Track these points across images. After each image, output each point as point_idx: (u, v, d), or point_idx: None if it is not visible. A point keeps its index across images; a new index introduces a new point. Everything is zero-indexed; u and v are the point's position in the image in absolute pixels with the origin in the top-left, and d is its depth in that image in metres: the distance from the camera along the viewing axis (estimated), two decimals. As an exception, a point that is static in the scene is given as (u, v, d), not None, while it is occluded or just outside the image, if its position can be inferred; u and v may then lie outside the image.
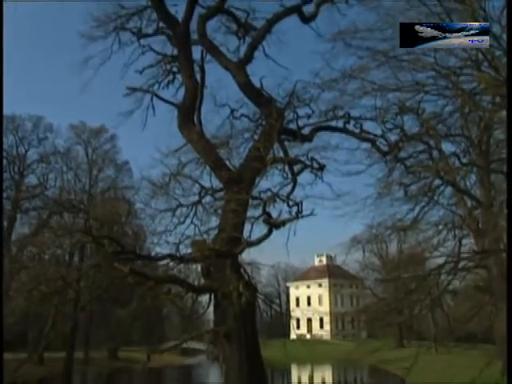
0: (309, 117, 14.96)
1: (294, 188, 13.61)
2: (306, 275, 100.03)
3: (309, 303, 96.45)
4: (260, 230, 13.26)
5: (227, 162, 15.21)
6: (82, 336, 57.74)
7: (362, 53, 19.11)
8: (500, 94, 14.86)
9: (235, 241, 13.13)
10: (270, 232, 12.84)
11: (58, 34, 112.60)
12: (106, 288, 15.88)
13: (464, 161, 21.22)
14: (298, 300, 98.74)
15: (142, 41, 17.02)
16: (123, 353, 58.85)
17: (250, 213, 14.07)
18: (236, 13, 16.58)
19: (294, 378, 51.42)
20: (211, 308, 13.80)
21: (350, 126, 15.05)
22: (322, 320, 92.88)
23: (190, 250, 14.45)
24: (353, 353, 51.56)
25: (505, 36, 16.10)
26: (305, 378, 51.65)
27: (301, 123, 14.91)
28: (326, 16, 16.83)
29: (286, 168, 14.21)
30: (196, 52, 16.25)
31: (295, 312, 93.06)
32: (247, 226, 13.74)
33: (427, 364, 32.20)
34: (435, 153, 18.56)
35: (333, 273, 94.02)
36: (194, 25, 16.06)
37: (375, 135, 15.16)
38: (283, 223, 12.69)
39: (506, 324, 10.98)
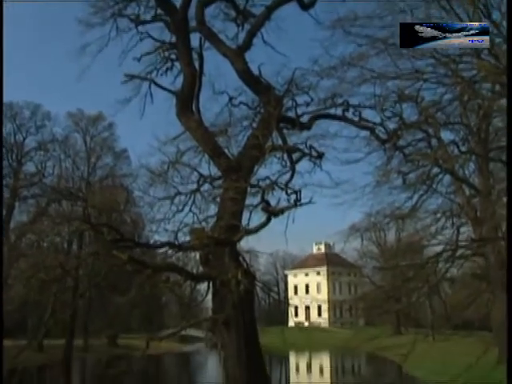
0: (307, 105, 14.91)
1: (292, 176, 13.60)
2: (305, 263, 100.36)
3: (307, 291, 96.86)
4: (258, 218, 13.30)
5: (226, 150, 15.18)
6: (81, 323, 58.02)
7: (361, 40, 19.01)
8: (500, 81, 14.82)
9: (234, 229, 13.14)
10: (268, 220, 12.85)
11: (56, 21, 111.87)
12: (104, 276, 15.95)
13: (463, 149, 21.15)
14: (296, 288, 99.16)
15: (140, 27, 16.89)
16: (122, 340, 59.16)
17: (249, 201, 14.09)
18: (235, -1, 16.47)
19: (292, 365, 51.79)
20: (210, 296, 13.86)
21: (349, 114, 15.01)
22: (320, 308, 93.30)
23: (188, 238, 14.47)
24: (351, 340, 51.94)
25: (505, 23, 16.03)
26: (303, 365, 52.00)
27: (299, 111, 14.87)
28: (325, 3, 16.75)
29: (285, 156, 14.18)
30: (194, 39, 16.18)
31: (293, 300, 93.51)
32: (246, 214, 13.77)
33: (424, 351, 32.47)
34: (434, 141, 18.54)
35: (331, 261, 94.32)
36: (192, 11, 15.94)
37: (374, 123, 15.12)
38: (282, 211, 12.70)
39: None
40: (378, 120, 15.07)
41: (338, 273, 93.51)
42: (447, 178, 25.13)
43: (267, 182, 13.43)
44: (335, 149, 15.72)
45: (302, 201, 12.80)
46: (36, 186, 54.47)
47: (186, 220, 15.24)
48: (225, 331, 13.05)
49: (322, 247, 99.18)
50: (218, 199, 14.96)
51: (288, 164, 14.06)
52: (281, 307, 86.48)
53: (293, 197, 12.95)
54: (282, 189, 13.10)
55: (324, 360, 55.97)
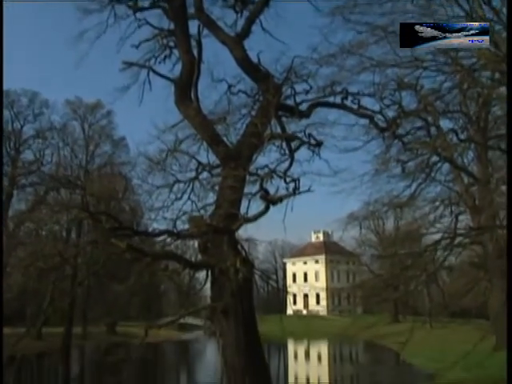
0: (306, 92, 14.83)
1: (291, 164, 13.55)
2: (303, 251, 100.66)
3: (305, 279, 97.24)
4: (257, 206, 13.26)
5: (224, 138, 15.12)
6: (80, 311, 58.27)
7: (361, 27, 18.88)
8: (499, 69, 14.75)
9: (232, 217, 13.12)
10: (267, 208, 12.82)
11: (54, 8, 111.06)
12: (103, 264, 15.92)
13: (462, 137, 21.12)
14: (294, 276, 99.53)
15: (138, 14, 16.70)
16: (121, 328, 59.45)
17: (247, 189, 14.04)
18: (233, -14, 16.30)
19: (291, 353, 52.12)
20: (208, 284, 13.88)
21: (348, 102, 14.93)
22: (318, 296, 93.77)
23: (187, 226, 14.46)
24: (349, 328, 52.07)
25: (505, 10, 15.92)
26: (301, 353, 52.36)
27: (298, 99, 14.78)
28: (325, -11, 16.60)
29: (284, 144, 14.12)
30: (193, 26, 16.02)
31: (292, 288, 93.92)
32: (244, 203, 13.73)
33: (422, 339, 32.65)
34: (433, 129, 18.49)
35: (329, 249, 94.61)
36: (190, -2, 15.81)
37: (373, 111, 15.06)
38: (280, 199, 12.67)
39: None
40: (377, 108, 15.01)
41: (337, 261, 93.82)
42: (446, 167, 25.15)
43: (266, 170, 13.37)
44: (334, 137, 15.66)
45: (301, 189, 12.77)
46: (34, 174, 54.45)
47: (184, 208, 15.21)
48: (223, 319, 13.08)
49: (321, 235, 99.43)
50: (217, 187, 14.93)
51: (287, 152, 14.01)
52: (279, 295, 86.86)
53: (291, 185, 12.91)
54: (280, 177, 13.06)
55: (322, 348, 56.33)
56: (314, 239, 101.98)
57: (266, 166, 13.60)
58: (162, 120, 16.48)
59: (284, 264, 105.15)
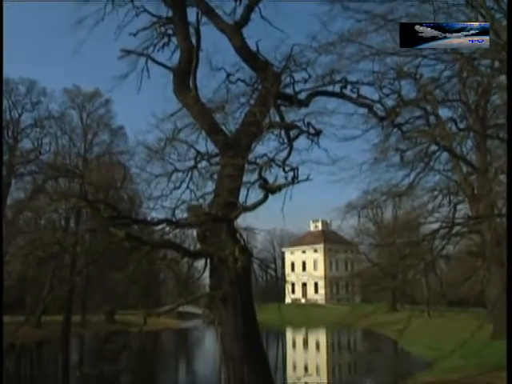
0: (305, 81, 14.78)
1: (290, 153, 13.54)
2: (302, 240, 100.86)
3: (304, 268, 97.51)
4: (256, 195, 13.26)
5: (223, 127, 15.10)
6: (79, 300, 58.45)
7: (360, 16, 18.72)
8: (499, 58, 14.70)
9: (231, 206, 13.13)
10: (265, 197, 12.82)
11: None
12: (102, 253, 15.97)
13: (461, 126, 21.11)
14: (293, 265, 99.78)
15: (136, 2, 16.60)
16: (120, 316, 59.65)
17: (246, 178, 14.04)
18: (232, -27, 16.16)
19: (289, 341, 52.37)
20: (207, 273, 13.91)
21: (347, 91, 14.90)
22: (316, 284, 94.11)
23: (185, 215, 14.47)
24: (347, 316, 52.37)
25: (505, -2, 15.83)
26: (299, 341, 52.62)
27: (297, 88, 14.76)
28: (324, -23, 16.46)
29: (282, 133, 14.11)
30: (191, 14, 15.93)
31: (290, 277, 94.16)
32: (243, 191, 13.74)
33: (420, 327, 32.82)
34: (432, 118, 18.46)
35: (328, 238, 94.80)
36: (189, -15, 15.70)
37: (372, 100, 15.04)
38: (279, 188, 12.66)
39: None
40: (376, 97, 14.99)
41: (335, 250, 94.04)
42: (445, 156, 25.14)
43: (265, 159, 13.35)
44: (333, 126, 15.63)
45: (300, 178, 12.77)
46: (32, 162, 54.32)
47: (183, 197, 15.21)
48: (222, 308, 13.13)
49: (319, 225, 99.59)
50: (216, 176, 14.93)
51: (285, 141, 13.99)
52: (278, 284, 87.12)
53: (290, 174, 12.90)
54: (279, 166, 13.05)
55: (320, 336, 56.59)
56: (312, 228, 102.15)
57: (265, 154, 13.59)
58: (160, 109, 16.47)
59: (282, 253, 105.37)
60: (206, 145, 15.26)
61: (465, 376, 17.18)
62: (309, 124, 14.26)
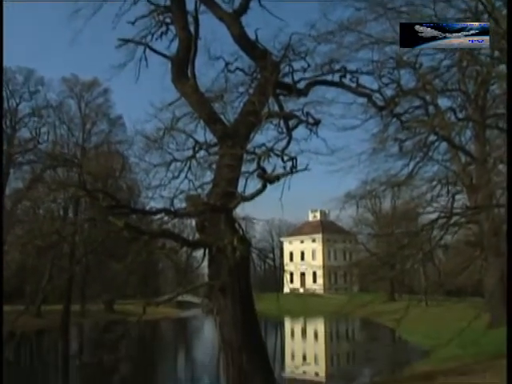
0: (304, 70, 14.73)
1: (288, 143, 13.51)
2: (300, 230, 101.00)
3: (302, 258, 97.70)
4: (254, 184, 13.25)
5: (222, 117, 15.06)
6: (78, 290, 58.59)
7: (360, 4, 18.69)
8: (499, 47, 14.64)
9: (229, 195, 13.12)
10: (264, 187, 12.81)
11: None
12: (101, 242, 15.97)
13: (460, 116, 21.07)
14: (291, 254, 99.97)
15: (134, -10, 16.50)
16: (119, 306, 59.83)
17: (245, 167, 14.03)
18: (230, -39, 16.02)
19: (287, 331, 52.60)
20: (206, 262, 13.94)
21: (346, 80, 14.85)
22: (315, 274, 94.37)
23: (184, 205, 14.47)
24: (345, 306, 52.57)
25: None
26: (297, 330, 52.84)
27: (296, 77, 14.71)
28: (324, -35, 16.37)
29: (281, 123, 14.07)
30: (189, 2, 15.82)
31: (289, 266, 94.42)
32: (241, 181, 13.73)
33: (417, 316, 32.92)
34: (431, 108, 18.44)
35: (326, 228, 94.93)
36: (187, -26, 15.58)
37: (371, 90, 15.00)
38: (277, 178, 12.65)
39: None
40: (375, 86, 14.96)
41: (334, 240, 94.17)
42: (443, 146, 25.16)
43: (263, 148, 13.32)
44: (332, 115, 15.65)
45: (298, 168, 12.74)
46: (31, 152, 54.18)
47: (181, 187, 15.20)
48: (221, 297, 13.17)
49: (318, 214, 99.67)
50: (214, 166, 14.92)
51: (284, 131, 13.97)
52: (276, 274, 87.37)
53: (289, 164, 12.88)
54: (278, 156, 13.02)
55: (319, 325, 56.85)
56: (311, 218, 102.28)
57: (264, 144, 13.57)
58: (158, 98, 16.45)
59: (281, 243, 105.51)
60: (204, 134, 15.24)
61: (462, 365, 17.28)
62: (308, 113, 14.23)
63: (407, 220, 31.75)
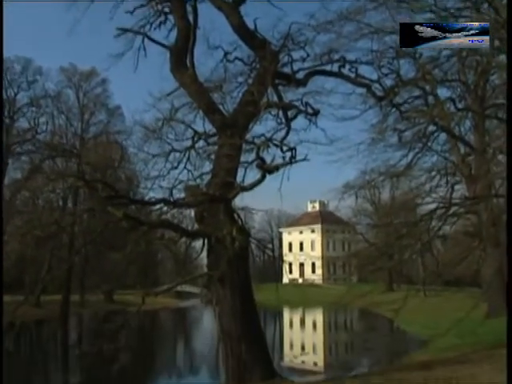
0: (303, 60, 14.69)
1: (287, 133, 13.51)
2: (299, 221, 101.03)
3: (301, 248, 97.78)
4: (253, 175, 13.27)
5: (220, 107, 15.03)
6: (78, 280, 58.67)
7: (359, -7, 18.54)
8: (499, 37, 14.56)
9: (228, 186, 13.13)
10: (263, 177, 12.82)
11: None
12: (100, 232, 15.99)
13: (459, 106, 21.02)
14: (290, 245, 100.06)
15: (133, -21, 16.40)
16: (118, 296, 59.94)
17: (244, 158, 14.04)
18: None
19: (286, 321, 52.79)
20: (205, 253, 13.96)
21: (346, 70, 14.82)
22: (313, 265, 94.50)
23: (183, 195, 14.48)
24: (344, 296, 52.62)
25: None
26: (296, 320, 53.01)
27: (295, 67, 14.68)
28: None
29: (280, 113, 14.06)
30: (188, -9, 15.73)
31: (288, 257, 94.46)
32: (240, 171, 13.74)
33: (416, 306, 33.06)
34: (431, 98, 18.39)
35: (325, 219, 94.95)
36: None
37: (371, 80, 14.97)
38: (276, 168, 12.66)
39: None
40: (374, 76, 14.93)
41: (332, 230, 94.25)
42: (443, 136, 25.13)
43: (262, 138, 13.33)
44: (331, 105, 15.61)
45: (297, 158, 12.76)
46: (29, 142, 54.02)
47: (180, 177, 15.21)
48: (220, 287, 13.21)
49: (317, 205, 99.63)
50: (213, 156, 14.91)
51: (283, 121, 13.96)
52: (275, 264, 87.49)
53: (288, 154, 12.90)
54: (277, 146, 13.02)
55: (317, 315, 57.02)
56: (310, 209, 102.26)
57: (263, 134, 13.57)
58: (157, 88, 16.39)
59: (280, 233, 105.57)
60: (203, 124, 15.23)
61: (460, 354, 17.35)
62: (307, 104, 14.21)
63: (406, 210, 31.73)
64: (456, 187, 26.26)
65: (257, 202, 16.44)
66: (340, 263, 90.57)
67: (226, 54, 15.28)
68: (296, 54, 14.63)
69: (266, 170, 12.69)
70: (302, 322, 51.11)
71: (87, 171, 38.12)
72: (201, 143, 15.28)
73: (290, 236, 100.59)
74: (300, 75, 14.76)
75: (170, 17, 16.22)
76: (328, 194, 36.46)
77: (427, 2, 16.66)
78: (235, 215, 13.37)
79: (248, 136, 13.78)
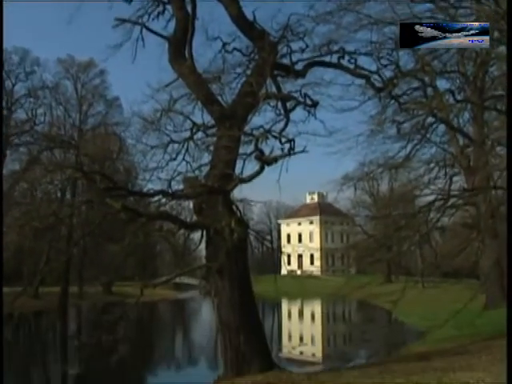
0: (302, 51, 14.64)
1: (286, 124, 13.48)
2: (298, 213, 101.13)
3: (300, 240, 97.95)
4: (252, 166, 13.25)
5: (219, 98, 14.98)
6: (76, 271, 58.72)
7: (359, -16, 18.44)
8: (498, 28, 14.51)
9: (227, 177, 13.11)
10: (261, 169, 12.79)
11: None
12: (98, 224, 15.97)
13: (458, 98, 20.97)
14: (289, 236, 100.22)
15: (130, -31, 16.27)
16: (117, 288, 60.05)
17: (242, 149, 14.02)
18: None
19: (284, 312, 52.96)
20: (203, 244, 13.97)
21: (345, 62, 14.77)
22: (312, 256, 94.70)
23: (181, 187, 14.46)
24: (342, 288, 52.86)
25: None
26: (295, 312, 53.17)
27: (294, 58, 14.62)
28: None
29: (279, 104, 14.02)
30: (186, -18, 15.61)
31: (286, 248, 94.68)
32: (239, 163, 13.73)
33: (414, 298, 33.19)
34: (429, 90, 18.34)
35: (324, 210, 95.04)
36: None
37: (370, 71, 14.92)
38: (275, 160, 12.63)
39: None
40: (373, 68, 14.88)
41: (331, 222, 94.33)
42: (441, 128, 25.10)
43: (261, 130, 13.30)
44: (330, 97, 15.59)
45: (296, 149, 12.73)
46: (27, 133, 53.85)
47: (179, 168, 15.19)
48: (218, 279, 13.23)
49: (315, 197, 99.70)
50: (212, 148, 14.88)
51: (282, 112, 13.92)
52: (274, 256, 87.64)
53: (286, 145, 12.86)
54: (275, 137, 12.99)
55: (316, 307, 57.21)
56: (308, 200, 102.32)
57: (261, 126, 13.55)
58: (155, 78, 16.32)
59: (278, 225, 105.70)
60: (202, 116, 15.17)
61: (458, 345, 17.43)
62: (305, 95, 14.17)
63: (404, 202, 31.73)
64: (454, 179, 26.29)
65: (255, 194, 16.45)
66: (338, 255, 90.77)
67: (224, 44, 15.19)
68: (295, 45, 14.59)
69: (265, 161, 12.66)
70: (301, 314, 51.27)
71: (85, 163, 38.10)
72: (199, 134, 15.25)
73: (289, 227, 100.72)
74: (299, 66, 14.71)
75: (169, 7, 16.12)
76: (327, 186, 36.54)
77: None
78: (234, 207, 13.36)
79: (247, 127, 13.75)
